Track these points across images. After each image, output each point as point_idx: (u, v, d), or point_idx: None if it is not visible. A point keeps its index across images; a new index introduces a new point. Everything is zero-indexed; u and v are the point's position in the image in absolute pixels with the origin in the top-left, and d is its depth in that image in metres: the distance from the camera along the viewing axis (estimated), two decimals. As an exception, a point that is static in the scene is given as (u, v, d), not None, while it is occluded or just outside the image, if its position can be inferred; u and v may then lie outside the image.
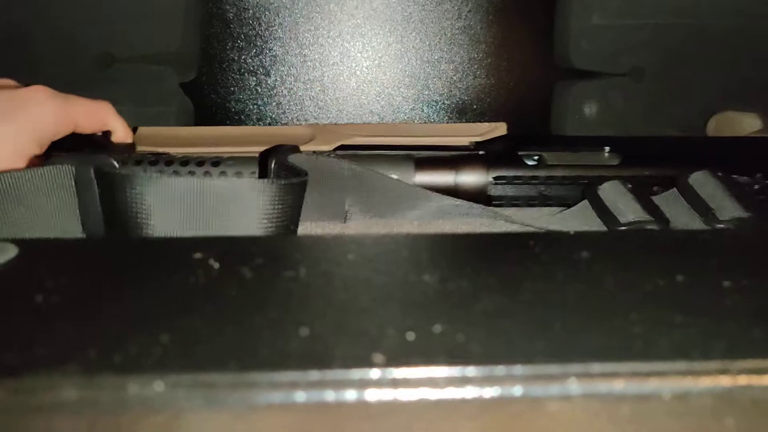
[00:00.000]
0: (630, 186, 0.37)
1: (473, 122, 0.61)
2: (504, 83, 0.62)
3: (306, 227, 0.36)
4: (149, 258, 0.19)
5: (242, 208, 0.29)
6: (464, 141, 0.41)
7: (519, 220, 0.37)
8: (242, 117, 0.62)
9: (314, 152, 0.37)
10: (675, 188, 0.38)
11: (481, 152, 0.40)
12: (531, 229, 0.36)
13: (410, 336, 0.14)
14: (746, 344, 0.14)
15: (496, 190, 0.40)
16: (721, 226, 0.34)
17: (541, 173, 0.40)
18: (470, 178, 0.39)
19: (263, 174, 0.36)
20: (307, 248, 0.21)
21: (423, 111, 0.62)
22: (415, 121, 0.63)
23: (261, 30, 0.60)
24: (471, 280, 0.18)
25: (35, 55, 0.56)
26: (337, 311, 0.16)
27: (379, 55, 0.61)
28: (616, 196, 0.36)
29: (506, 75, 0.62)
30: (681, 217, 0.36)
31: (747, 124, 0.50)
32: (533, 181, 0.40)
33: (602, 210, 0.36)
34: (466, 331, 0.15)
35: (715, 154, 0.43)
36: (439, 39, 0.61)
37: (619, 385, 0.13)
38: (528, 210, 0.40)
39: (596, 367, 0.13)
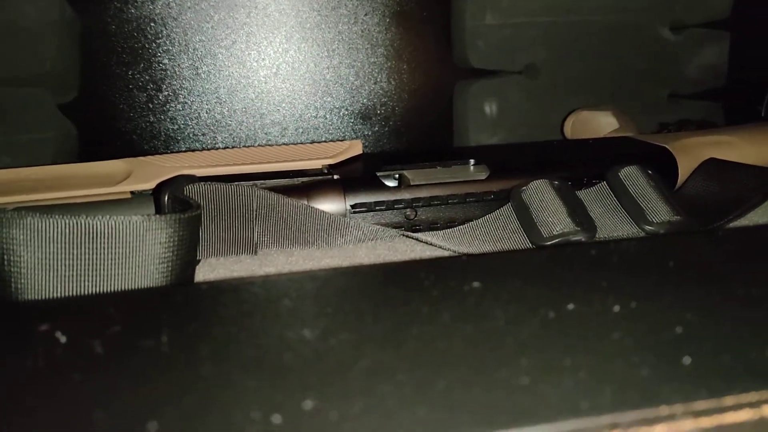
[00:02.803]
0: (557, 184, 0.35)
1: (379, 129, 0.60)
2: (406, 86, 0.61)
3: (212, 263, 0.34)
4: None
5: (135, 249, 0.26)
6: (317, 164, 0.37)
7: (439, 242, 0.34)
8: (133, 136, 0.58)
9: (217, 181, 0.34)
10: (605, 182, 0.36)
11: (335, 176, 0.36)
12: (447, 252, 0.34)
13: (276, 419, 0.13)
14: (635, 388, 0.13)
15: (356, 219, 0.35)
16: (651, 228, 0.34)
17: (405, 195, 0.36)
18: (325, 207, 0.35)
19: (157, 209, 0.33)
20: (175, 303, 0.19)
21: (327, 118, 0.61)
22: (318, 130, 0.61)
23: (147, 43, 0.56)
24: (354, 332, 0.17)
25: None
26: (197, 391, 0.14)
27: (276, 63, 0.59)
28: (541, 201, 0.34)
29: (408, 77, 0.61)
30: (609, 217, 0.35)
31: (604, 123, 0.50)
32: (397, 206, 0.36)
33: (525, 220, 0.34)
34: (340, 406, 0.13)
35: (580, 157, 0.41)
36: (338, 44, 0.59)
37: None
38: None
39: (479, 438, 0.12)
